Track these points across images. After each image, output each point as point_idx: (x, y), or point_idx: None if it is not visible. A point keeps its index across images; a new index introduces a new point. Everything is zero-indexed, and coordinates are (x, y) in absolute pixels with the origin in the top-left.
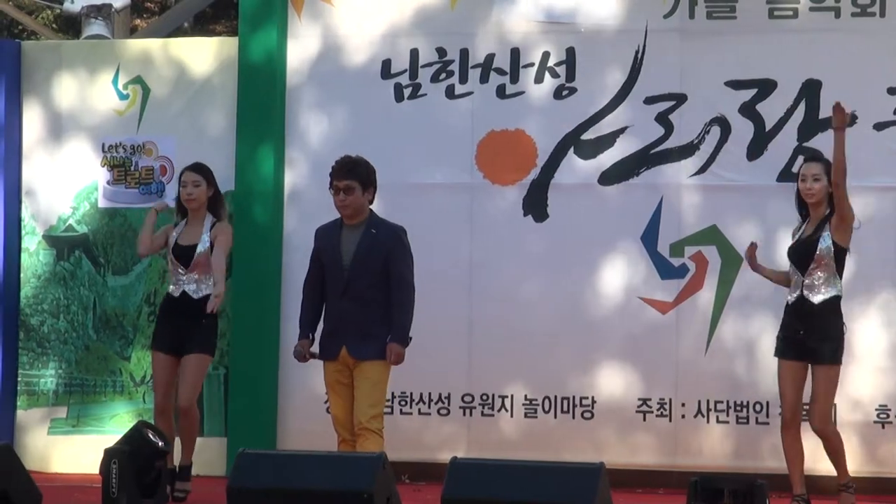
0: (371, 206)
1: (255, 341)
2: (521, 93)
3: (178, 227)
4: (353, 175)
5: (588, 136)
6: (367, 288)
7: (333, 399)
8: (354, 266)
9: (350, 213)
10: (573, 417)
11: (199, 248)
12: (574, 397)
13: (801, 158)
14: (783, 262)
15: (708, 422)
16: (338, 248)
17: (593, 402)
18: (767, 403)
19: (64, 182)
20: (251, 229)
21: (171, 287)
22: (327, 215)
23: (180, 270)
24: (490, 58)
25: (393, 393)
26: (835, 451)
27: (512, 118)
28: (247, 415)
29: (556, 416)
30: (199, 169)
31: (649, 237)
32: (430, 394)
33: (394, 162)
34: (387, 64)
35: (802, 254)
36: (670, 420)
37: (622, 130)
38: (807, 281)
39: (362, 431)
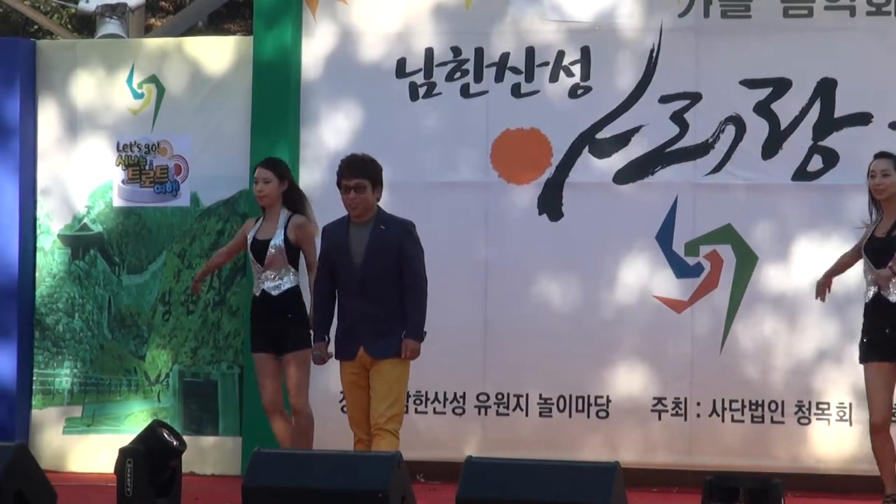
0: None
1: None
2: (536, 92)
3: (257, 224)
4: (363, 173)
5: (603, 134)
6: (380, 285)
7: (350, 400)
8: (367, 264)
9: (360, 212)
10: (588, 416)
11: (273, 243)
12: (589, 396)
13: (817, 157)
14: (801, 260)
15: (723, 421)
16: (347, 246)
17: (608, 401)
18: (783, 402)
19: (79, 181)
20: None
21: (253, 287)
22: (343, 213)
23: (257, 267)
24: (505, 56)
25: (408, 392)
26: None
27: (527, 117)
28: (262, 414)
29: (571, 416)
30: (270, 164)
31: (664, 236)
32: (445, 393)
33: (409, 161)
34: (402, 62)
35: (880, 251)
36: (685, 419)
37: (637, 129)
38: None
39: (378, 431)
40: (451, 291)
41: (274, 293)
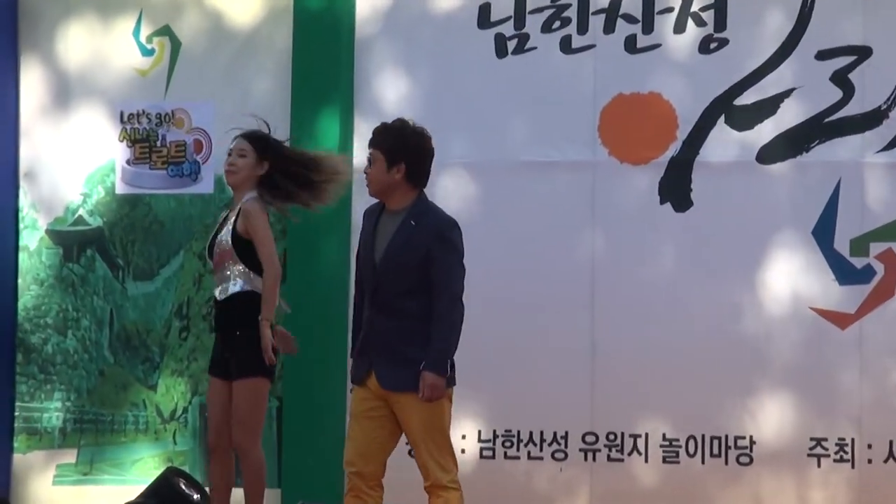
0: (423, 191)
1: (316, 363)
2: (657, 46)
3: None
4: (376, 142)
5: (743, 100)
6: (398, 295)
7: (352, 432)
8: (384, 265)
9: (372, 192)
10: (726, 463)
11: (221, 236)
12: (727, 437)
13: None
14: None
15: None
16: (371, 237)
17: (752, 442)
18: None
19: (72, 162)
20: (309, 221)
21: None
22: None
23: (210, 267)
24: (616, 1)
25: (495, 431)
26: None
27: (645, 78)
28: (306, 459)
29: (703, 461)
30: (252, 137)
31: (823, 231)
32: (542, 432)
33: (493, 135)
34: (485, 9)
35: None
36: (852, 465)
37: (787, 94)
38: None
39: (434, 490)
40: (549, 303)
41: (220, 297)
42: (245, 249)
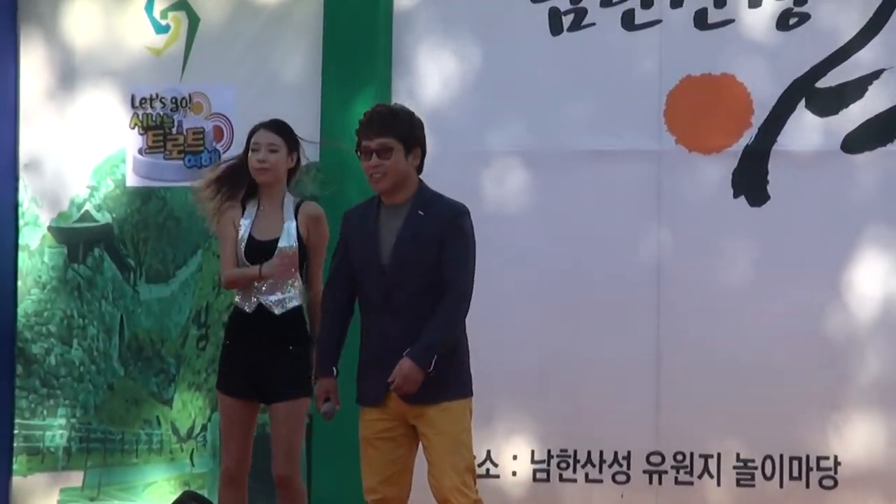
0: (419, 177)
1: (347, 375)
2: (730, 21)
3: (246, 214)
4: (389, 130)
5: (826, 82)
6: (414, 296)
7: (368, 457)
8: (396, 265)
9: (388, 186)
10: (808, 486)
11: (284, 244)
12: (808, 457)
13: None
14: None
15: None
16: (374, 237)
17: (836, 463)
18: None
19: (78, 151)
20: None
21: (238, 298)
22: (455, 192)
23: None
24: None
25: (549, 451)
26: None
27: (717, 58)
28: (339, 484)
29: (782, 484)
30: (278, 127)
31: None
32: (601, 452)
33: (547, 121)
34: None
35: None
36: None
37: (876, 75)
38: None
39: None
40: (608, 307)
41: (276, 311)
42: (303, 258)
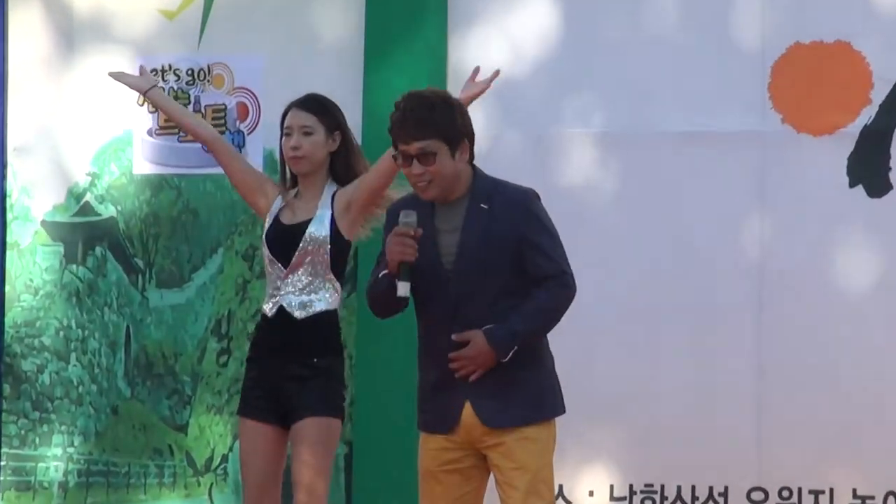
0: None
1: (391, 399)
2: None
3: (278, 199)
4: (428, 129)
5: None
6: (490, 305)
7: (431, 495)
8: (463, 269)
9: (437, 194)
10: None
11: (312, 231)
12: None
13: None
14: None
15: None
16: (432, 240)
17: None
18: None
19: (77, 133)
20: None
21: (264, 302)
22: (520, 174)
23: (276, 269)
24: None
25: (632, 486)
26: None
27: (830, 23)
28: None
29: None
30: (314, 104)
31: None
32: (693, 487)
33: (629, 97)
34: None
35: None
36: None
37: None
38: None
39: None
40: (701, 313)
41: (298, 314)
42: (339, 253)
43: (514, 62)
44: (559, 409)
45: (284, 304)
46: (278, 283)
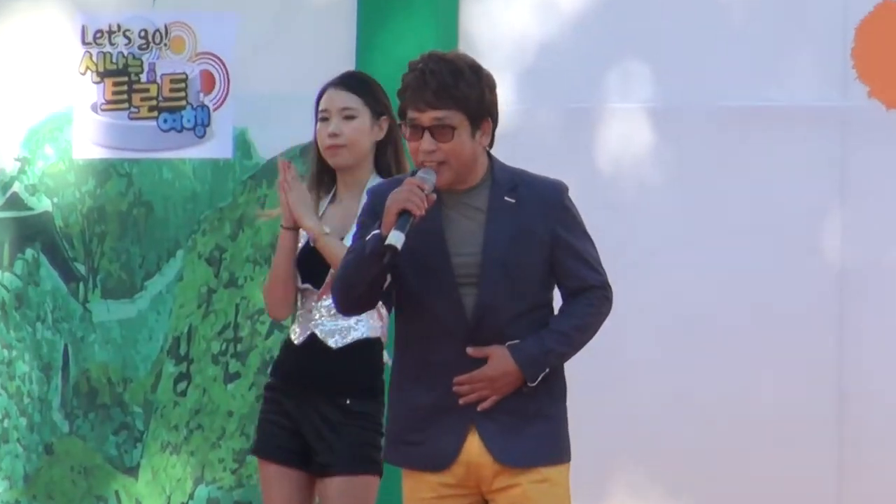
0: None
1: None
2: None
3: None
4: (450, 98)
5: None
6: (514, 319)
7: None
8: (488, 276)
9: (447, 181)
10: None
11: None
12: None
13: None
14: None
15: None
16: (439, 235)
17: None
18: None
19: (3, 108)
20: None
21: (292, 328)
22: (553, 165)
23: (308, 293)
24: None
25: None
26: None
27: None
28: None
29: None
30: (354, 83)
31: None
32: None
33: (681, 66)
34: None
35: None
36: None
37: None
38: None
39: None
40: (769, 323)
41: (332, 343)
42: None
43: (545, 24)
44: (569, 448)
45: (318, 333)
46: (311, 305)
